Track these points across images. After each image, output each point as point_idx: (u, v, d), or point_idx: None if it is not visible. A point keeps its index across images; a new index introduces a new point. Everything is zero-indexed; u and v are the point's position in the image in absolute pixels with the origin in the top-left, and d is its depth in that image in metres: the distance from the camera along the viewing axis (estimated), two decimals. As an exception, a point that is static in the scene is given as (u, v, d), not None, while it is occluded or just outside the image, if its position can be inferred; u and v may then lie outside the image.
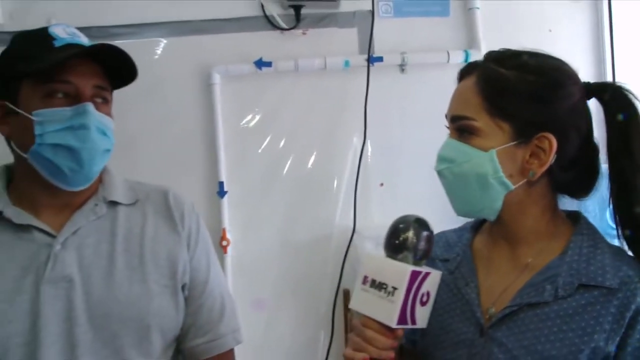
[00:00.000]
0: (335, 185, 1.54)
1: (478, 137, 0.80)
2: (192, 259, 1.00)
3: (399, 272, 0.73)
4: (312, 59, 1.51)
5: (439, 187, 1.50)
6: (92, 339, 0.87)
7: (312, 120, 1.53)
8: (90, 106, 0.88)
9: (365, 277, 0.76)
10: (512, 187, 0.80)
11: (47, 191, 0.91)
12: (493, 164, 0.79)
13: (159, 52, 1.52)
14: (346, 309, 1.50)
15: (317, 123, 1.54)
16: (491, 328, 0.80)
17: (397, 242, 0.76)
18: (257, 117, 1.53)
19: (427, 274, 0.75)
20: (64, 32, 0.92)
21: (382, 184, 1.56)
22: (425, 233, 0.77)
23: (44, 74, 0.87)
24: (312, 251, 1.52)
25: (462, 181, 0.83)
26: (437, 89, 1.56)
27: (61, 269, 0.88)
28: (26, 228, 0.90)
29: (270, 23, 1.52)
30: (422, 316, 0.76)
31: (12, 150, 0.93)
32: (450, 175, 0.85)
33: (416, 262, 0.76)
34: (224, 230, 1.48)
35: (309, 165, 1.54)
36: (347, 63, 1.53)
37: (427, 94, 1.57)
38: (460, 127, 0.82)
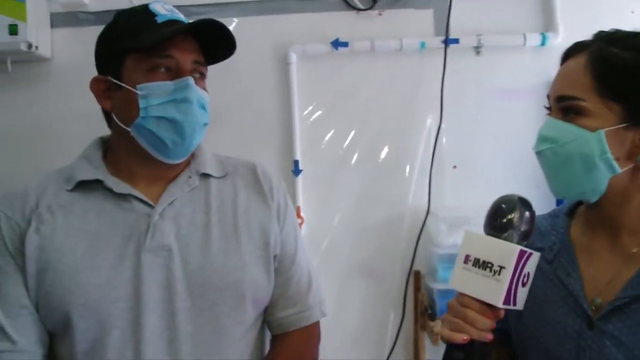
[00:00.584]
0: (408, 166, 1.53)
1: (585, 118, 0.78)
2: (281, 230, 1.02)
3: (506, 251, 0.72)
4: (387, 40, 1.50)
5: (514, 170, 1.50)
6: (191, 306, 0.90)
7: (387, 101, 1.53)
8: (191, 80, 0.90)
9: (468, 256, 0.75)
10: (619, 170, 0.78)
11: (144, 163, 0.94)
12: (601, 144, 0.77)
13: (233, 31, 1.53)
14: (417, 291, 1.50)
15: (391, 104, 1.53)
16: (600, 320, 0.78)
17: (503, 221, 0.75)
18: (332, 97, 1.53)
19: (531, 254, 0.74)
20: (163, 8, 0.95)
21: (455, 167, 1.54)
22: (528, 213, 0.76)
23: (148, 49, 0.89)
24: (384, 231, 1.52)
25: (566, 162, 0.81)
26: (513, 72, 1.56)
27: (160, 238, 0.90)
28: (125, 197, 0.92)
29: (346, 3, 1.52)
30: (522, 297, 0.75)
31: (110, 124, 0.97)
32: (552, 156, 0.82)
33: (519, 242, 0.74)
34: (298, 208, 1.49)
35: (383, 146, 1.53)
36: (423, 45, 1.51)
37: (502, 77, 1.55)
38: (567, 107, 0.80)
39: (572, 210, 0.93)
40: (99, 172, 0.93)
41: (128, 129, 0.91)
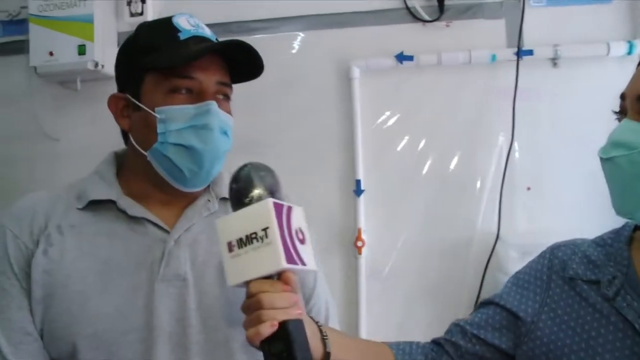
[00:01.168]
0: (477, 187, 1.44)
1: None
2: None
3: (261, 210, 0.65)
4: (456, 53, 1.44)
5: (592, 193, 1.38)
6: (205, 340, 0.84)
7: (455, 118, 1.46)
8: (214, 105, 0.84)
9: (229, 243, 0.67)
10: None
11: (160, 187, 0.89)
12: None
13: (296, 46, 1.52)
14: (486, 319, 1.41)
15: (460, 120, 1.46)
16: None
17: (249, 190, 0.69)
18: (397, 113, 1.48)
19: (290, 207, 0.68)
20: (188, 23, 0.88)
21: (529, 188, 1.44)
22: (264, 173, 0.71)
23: (170, 69, 0.83)
24: (450, 256, 1.44)
25: None
26: (594, 86, 1.44)
27: (175, 267, 0.85)
28: (139, 221, 0.87)
29: (412, 15, 1.46)
30: (308, 257, 0.68)
31: (126, 143, 0.92)
32: (627, 164, 0.71)
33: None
34: (359, 230, 1.44)
35: (450, 165, 1.46)
36: (493, 57, 1.43)
37: (582, 91, 1.44)
38: None
39: (628, 237, 0.81)
40: (113, 191, 0.88)
41: (145, 152, 0.86)
